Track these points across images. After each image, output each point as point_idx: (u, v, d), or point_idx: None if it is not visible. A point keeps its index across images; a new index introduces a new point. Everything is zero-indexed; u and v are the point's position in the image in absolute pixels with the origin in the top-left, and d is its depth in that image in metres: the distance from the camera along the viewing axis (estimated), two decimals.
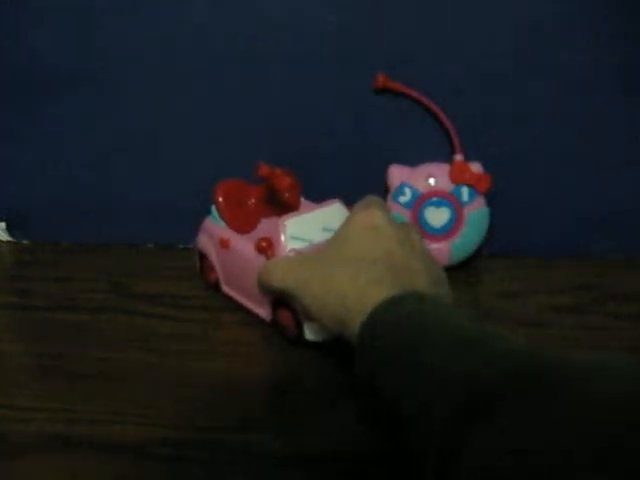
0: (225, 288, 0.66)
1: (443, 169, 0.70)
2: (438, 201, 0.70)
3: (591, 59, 0.68)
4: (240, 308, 0.64)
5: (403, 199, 0.71)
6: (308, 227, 0.60)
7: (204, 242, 0.67)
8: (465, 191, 0.70)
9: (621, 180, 0.72)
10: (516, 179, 0.65)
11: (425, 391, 0.36)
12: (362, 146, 0.73)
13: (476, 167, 0.70)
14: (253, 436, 0.49)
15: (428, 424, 0.34)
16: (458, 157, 0.70)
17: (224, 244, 0.64)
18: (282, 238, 0.59)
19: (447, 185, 0.70)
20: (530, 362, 0.34)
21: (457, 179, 0.69)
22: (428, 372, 0.36)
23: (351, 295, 0.45)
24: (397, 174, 0.71)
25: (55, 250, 0.78)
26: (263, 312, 0.61)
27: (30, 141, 0.76)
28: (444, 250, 0.71)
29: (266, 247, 0.59)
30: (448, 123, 0.70)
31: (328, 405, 0.54)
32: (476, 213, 0.70)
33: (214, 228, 0.65)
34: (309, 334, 0.57)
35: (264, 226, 0.64)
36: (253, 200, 0.66)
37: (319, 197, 0.64)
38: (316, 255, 0.53)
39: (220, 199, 0.65)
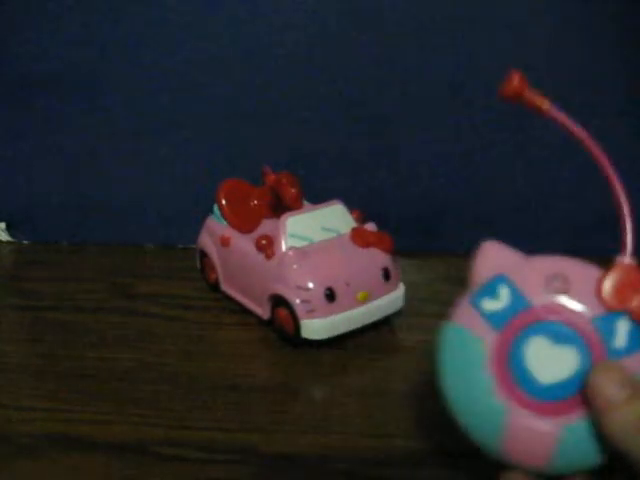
0: (224, 287, 0.66)
1: None
2: None
3: (591, 58, 0.68)
4: (239, 308, 0.64)
5: None
6: (308, 226, 0.60)
7: (205, 241, 0.67)
8: None
9: (622, 178, 0.72)
10: (515, 178, 0.65)
11: None
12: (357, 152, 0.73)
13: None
14: (253, 436, 0.49)
15: None
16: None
17: (225, 242, 0.64)
18: (282, 236, 0.59)
19: None
20: None
21: None
22: None
23: None
24: None
25: (55, 250, 0.78)
26: (261, 310, 0.61)
27: (30, 141, 0.75)
28: None
29: (266, 245, 0.59)
30: None
31: (328, 405, 0.54)
32: None
33: (216, 227, 0.66)
34: (306, 332, 0.57)
35: (266, 226, 0.65)
36: (256, 201, 0.66)
37: (317, 197, 0.64)
38: None
39: (223, 198, 0.65)
